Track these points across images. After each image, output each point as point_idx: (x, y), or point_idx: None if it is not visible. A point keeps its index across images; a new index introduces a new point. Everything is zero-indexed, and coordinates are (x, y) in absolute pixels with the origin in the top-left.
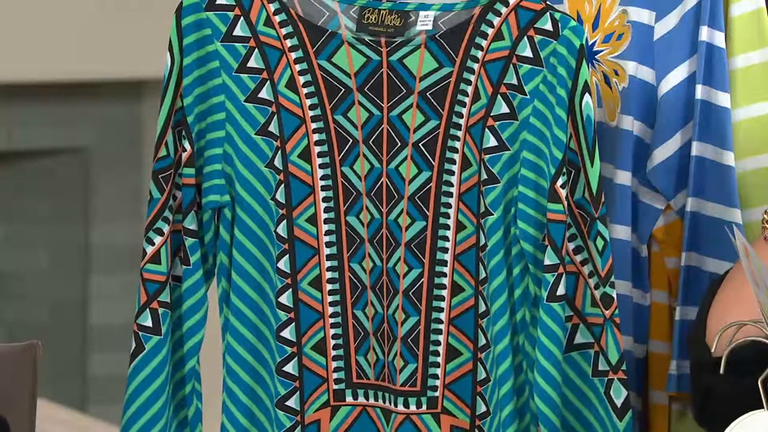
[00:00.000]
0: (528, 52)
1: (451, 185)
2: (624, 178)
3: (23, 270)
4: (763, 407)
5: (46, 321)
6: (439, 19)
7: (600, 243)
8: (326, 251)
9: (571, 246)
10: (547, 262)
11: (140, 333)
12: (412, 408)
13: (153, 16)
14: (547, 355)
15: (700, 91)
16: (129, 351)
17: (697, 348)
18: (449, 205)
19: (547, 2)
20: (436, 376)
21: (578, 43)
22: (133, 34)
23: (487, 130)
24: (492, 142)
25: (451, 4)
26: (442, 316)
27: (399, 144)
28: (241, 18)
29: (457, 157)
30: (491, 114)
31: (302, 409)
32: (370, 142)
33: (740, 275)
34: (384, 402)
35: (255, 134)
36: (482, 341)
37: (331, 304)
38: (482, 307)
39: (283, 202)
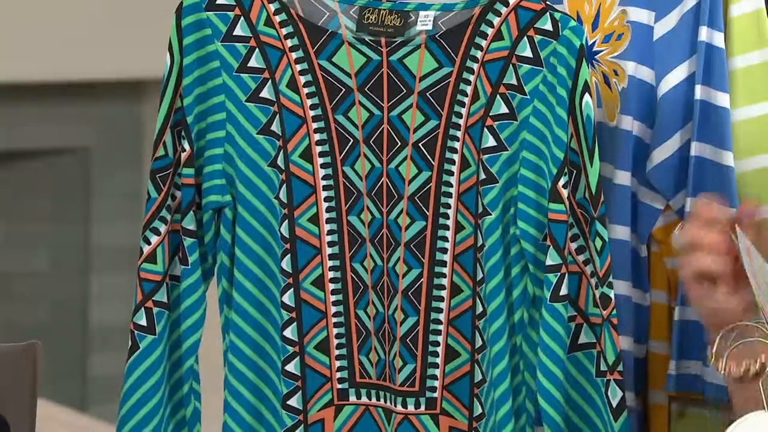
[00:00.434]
0: (528, 52)
1: (451, 185)
2: (623, 178)
3: (23, 270)
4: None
5: (46, 321)
6: (439, 19)
7: (599, 243)
8: (328, 251)
9: (574, 246)
10: (549, 262)
11: (135, 332)
12: (411, 408)
13: (153, 16)
14: (550, 355)
15: (699, 91)
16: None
17: None
18: (448, 206)
19: (547, 2)
20: (434, 377)
21: (578, 43)
22: (133, 34)
23: (485, 130)
24: (491, 142)
25: (451, 4)
26: (442, 316)
27: (399, 144)
28: (242, 18)
29: (456, 157)
30: (490, 114)
31: (305, 409)
32: (371, 141)
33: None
34: (385, 402)
35: (257, 134)
36: (479, 343)
37: (334, 303)
38: (479, 309)
39: (285, 201)
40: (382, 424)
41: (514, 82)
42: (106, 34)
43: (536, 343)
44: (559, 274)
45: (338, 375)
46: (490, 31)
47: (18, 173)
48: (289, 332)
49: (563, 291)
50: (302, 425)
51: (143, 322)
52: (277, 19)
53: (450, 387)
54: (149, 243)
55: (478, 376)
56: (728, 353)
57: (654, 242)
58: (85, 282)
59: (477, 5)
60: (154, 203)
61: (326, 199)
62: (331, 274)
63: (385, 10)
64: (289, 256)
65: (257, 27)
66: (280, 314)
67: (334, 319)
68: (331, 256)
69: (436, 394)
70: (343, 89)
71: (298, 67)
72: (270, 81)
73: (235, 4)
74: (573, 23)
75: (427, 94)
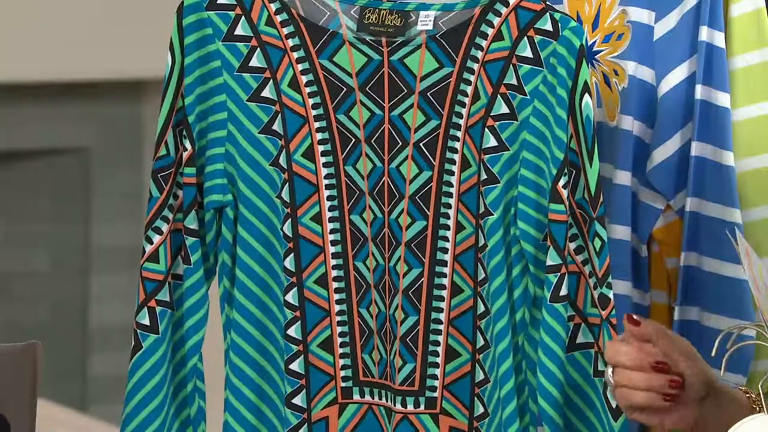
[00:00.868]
0: (528, 53)
1: (451, 185)
2: (624, 178)
3: (23, 270)
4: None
5: (46, 321)
6: (439, 19)
7: (597, 243)
8: (331, 249)
9: (573, 246)
10: (549, 262)
11: (138, 331)
12: (410, 407)
13: (153, 16)
14: (550, 356)
15: (699, 91)
16: (129, 350)
17: None
18: (449, 206)
19: (547, 2)
20: (434, 377)
21: (578, 43)
22: (133, 34)
23: (486, 130)
24: (492, 142)
25: (451, 4)
26: (442, 316)
27: (400, 143)
28: (242, 17)
29: (456, 157)
30: (491, 114)
31: (309, 407)
32: (372, 141)
33: None
34: (386, 401)
35: (259, 133)
36: (480, 342)
37: (338, 302)
38: (481, 308)
39: (288, 201)
40: (383, 423)
41: (514, 82)
42: (106, 34)
43: (538, 342)
44: (559, 274)
45: (342, 373)
46: (490, 32)
47: (18, 173)
48: (293, 331)
49: (563, 291)
50: (306, 423)
51: (146, 321)
52: (278, 18)
53: (450, 387)
54: (151, 242)
55: (480, 376)
56: (727, 355)
57: (654, 242)
58: (85, 282)
59: (477, 5)
60: (156, 203)
61: (329, 198)
62: (334, 273)
63: (385, 10)
64: (292, 255)
65: (258, 26)
66: (281, 313)
67: (338, 318)
68: (334, 255)
69: (436, 394)
70: (345, 89)
71: (300, 67)
72: (271, 80)
73: (235, 3)
74: (573, 23)
75: (428, 93)
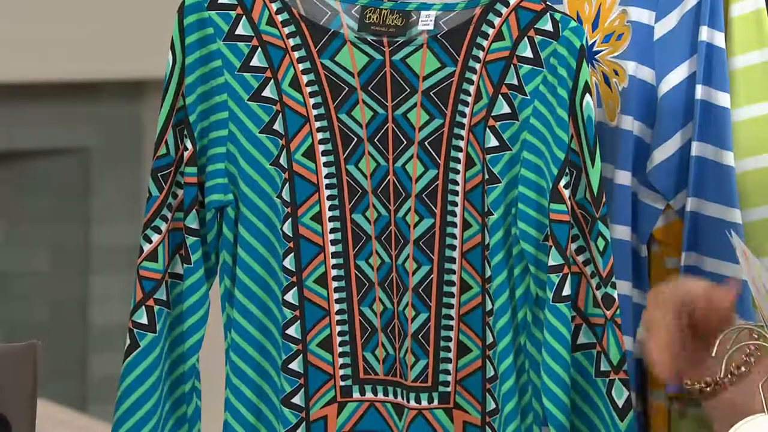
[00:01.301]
0: (528, 53)
1: (457, 183)
2: (624, 178)
3: (23, 270)
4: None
5: (46, 321)
6: (440, 18)
7: (601, 243)
8: (331, 249)
9: (574, 246)
10: (551, 262)
11: (135, 330)
12: (424, 403)
13: (153, 16)
14: (554, 356)
15: (700, 91)
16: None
17: None
18: (455, 203)
19: (547, 2)
20: (447, 372)
21: (578, 43)
22: (133, 34)
23: (488, 130)
24: (493, 142)
25: (452, 4)
26: (453, 312)
27: (405, 142)
28: (243, 17)
29: (461, 156)
30: (492, 114)
31: (307, 406)
32: (376, 140)
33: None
34: (396, 397)
35: (259, 133)
36: (490, 339)
37: (337, 301)
38: (489, 305)
39: (288, 200)
40: (391, 420)
41: (515, 82)
42: (106, 34)
43: (541, 342)
44: (561, 274)
45: (341, 372)
46: (491, 32)
47: (18, 173)
48: (292, 330)
49: (566, 291)
50: (304, 422)
51: (144, 320)
52: (279, 18)
53: (463, 382)
54: (150, 241)
55: (490, 372)
56: (728, 356)
57: (654, 242)
58: (85, 282)
59: (478, 5)
60: (155, 202)
61: (329, 198)
62: (334, 272)
63: (386, 9)
64: (292, 254)
65: (259, 26)
66: (281, 313)
67: (337, 317)
68: (334, 254)
69: (449, 389)
70: (347, 88)
71: (301, 66)
72: (272, 80)
73: (236, 3)
74: (573, 24)
75: (431, 93)
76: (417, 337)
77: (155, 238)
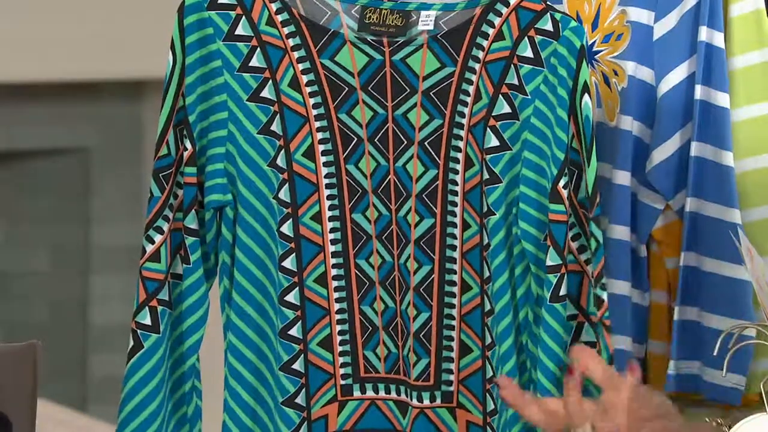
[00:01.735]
0: (529, 53)
1: (456, 184)
2: (623, 178)
3: (23, 270)
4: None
5: (46, 321)
6: (440, 19)
7: (593, 244)
8: (331, 248)
9: (575, 245)
10: (549, 262)
11: (138, 331)
12: (426, 402)
13: (153, 16)
14: (550, 355)
15: (699, 91)
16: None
17: None
18: (455, 204)
19: (547, 2)
20: (450, 371)
21: (579, 43)
22: (133, 34)
23: (488, 130)
24: (493, 142)
25: (452, 4)
26: (454, 312)
27: (405, 142)
28: (243, 17)
29: (460, 156)
30: (492, 114)
31: (308, 405)
32: (376, 140)
33: None
34: (399, 395)
35: (257, 133)
36: (488, 339)
37: (337, 300)
38: (488, 306)
39: (288, 201)
40: (393, 417)
41: (515, 82)
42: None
43: None
44: (558, 274)
45: (342, 371)
46: (491, 32)
47: (18, 173)
48: (294, 331)
49: (563, 291)
50: (306, 422)
51: (147, 321)
52: (279, 18)
53: (465, 382)
54: (152, 242)
55: (489, 372)
56: (729, 355)
57: (654, 242)
58: (85, 282)
59: (478, 5)
60: (157, 202)
61: (329, 197)
62: (334, 272)
63: (386, 9)
64: (293, 255)
65: (259, 26)
66: (277, 314)
67: (338, 316)
68: (334, 254)
69: (452, 388)
70: (347, 88)
71: (300, 67)
72: (271, 80)
73: (236, 3)
74: (573, 24)
75: (431, 93)
76: (419, 336)
77: (158, 238)
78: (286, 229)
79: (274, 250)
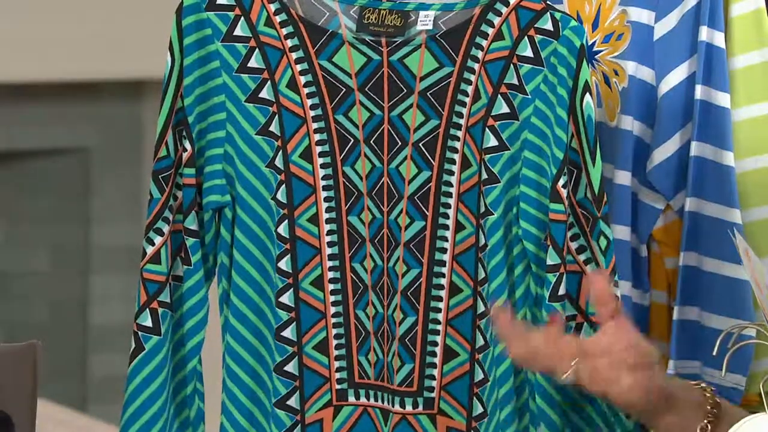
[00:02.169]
0: (528, 52)
1: (451, 185)
2: (623, 178)
3: (24, 270)
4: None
5: (46, 321)
6: (439, 18)
7: (603, 242)
8: (328, 251)
9: (574, 245)
10: (549, 262)
11: (140, 333)
12: (408, 408)
13: (153, 16)
14: None
15: (699, 91)
16: (129, 351)
17: None
18: (448, 206)
19: (547, 2)
20: (432, 377)
21: (579, 43)
22: (133, 34)
23: (487, 129)
24: (492, 141)
25: (451, 3)
26: (440, 316)
27: (399, 144)
28: (242, 18)
29: (456, 157)
30: (492, 114)
31: (302, 409)
32: (371, 141)
33: None
34: (382, 402)
35: (255, 134)
36: (480, 342)
37: (333, 303)
38: (481, 308)
39: (285, 202)
40: (379, 425)
41: (515, 81)
42: (106, 34)
43: None
44: (557, 274)
45: (337, 375)
46: (490, 31)
47: (18, 173)
48: (288, 332)
49: (562, 291)
50: (299, 425)
51: (148, 323)
52: (278, 19)
53: (448, 387)
54: (153, 244)
55: (479, 376)
56: (729, 356)
57: (654, 242)
58: (85, 282)
59: (477, 5)
60: (157, 204)
61: (326, 199)
62: (330, 275)
63: (385, 9)
64: (288, 256)
65: (257, 27)
66: (274, 315)
67: (334, 320)
68: (331, 257)
69: (433, 395)
70: (344, 89)
71: (299, 67)
72: (269, 81)
73: (235, 4)
74: (573, 23)
75: (428, 93)
76: (404, 341)
77: (158, 240)
78: (282, 230)
79: (272, 252)
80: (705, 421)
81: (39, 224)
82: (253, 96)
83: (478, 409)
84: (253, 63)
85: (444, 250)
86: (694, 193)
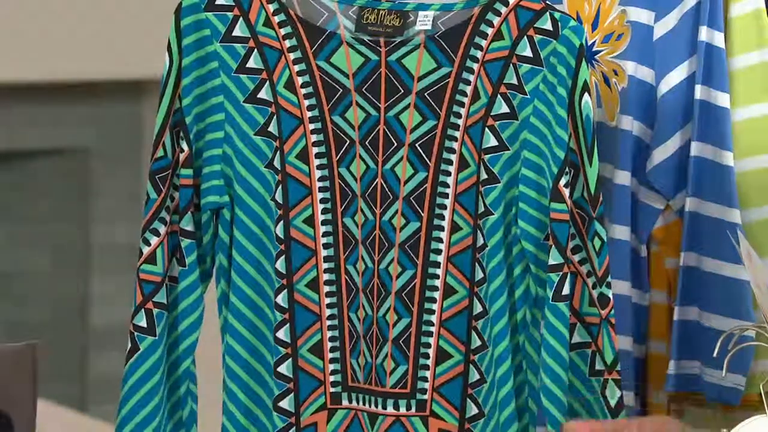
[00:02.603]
0: (528, 52)
1: (447, 186)
2: (623, 178)
3: (24, 270)
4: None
5: (46, 321)
6: (438, 19)
7: (597, 243)
8: (324, 253)
9: (570, 245)
10: (551, 261)
11: (135, 333)
12: (402, 410)
13: (153, 17)
14: (554, 355)
15: (699, 91)
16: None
17: None
18: (444, 206)
19: (547, 2)
20: (425, 379)
21: (578, 42)
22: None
23: (487, 129)
24: (492, 141)
25: (450, 4)
26: (433, 318)
27: (395, 144)
28: (240, 18)
29: (454, 157)
30: (491, 114)
31: (297, 411)
32: (367, 142)
33: None
34: (370, 405)
35: (254, 135)
36: (476, 343)
37: (329, 306)
38: (477, 309)
39: (281, 202)
40: (366, 429)
41: (514, 81)
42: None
43: (539, 342)
44: (561, 273)
45: (332, 378)
46: (490, 31)
47: (18, 173)
48: (282, 334)
49: (565, 290)
50: (294, 428)
51: (143, 323)
52: (276, 19)
53: (440, 389)
54: (149, 244)
55: (474, 377)
56: (729, 356)
57: (654, 242)
58: (85, 282)
59: (476, 5)
60: (153, 204)
61: (322, 201)
62: (326, 277)
63: (384, 10)
64: (283, 257)
65: (256, 27)
66: (274, 316)
67: (329, 322)
68: (326, 258)
69: (426, 396)
70: (341, 90)
71: (296, 68)
72: (268, 82)
73: (234, 4)
74: (573, 23)
75: (425, 94)
76: (398, 343)
77: (154, 240)
78: (278, 230)
79: (271, 252)
80: None
81: (39, 224)
82: (252, 96)
83: (473, 410)
84: (251, 63)
85: (438, 251)
86: (694, 193)
